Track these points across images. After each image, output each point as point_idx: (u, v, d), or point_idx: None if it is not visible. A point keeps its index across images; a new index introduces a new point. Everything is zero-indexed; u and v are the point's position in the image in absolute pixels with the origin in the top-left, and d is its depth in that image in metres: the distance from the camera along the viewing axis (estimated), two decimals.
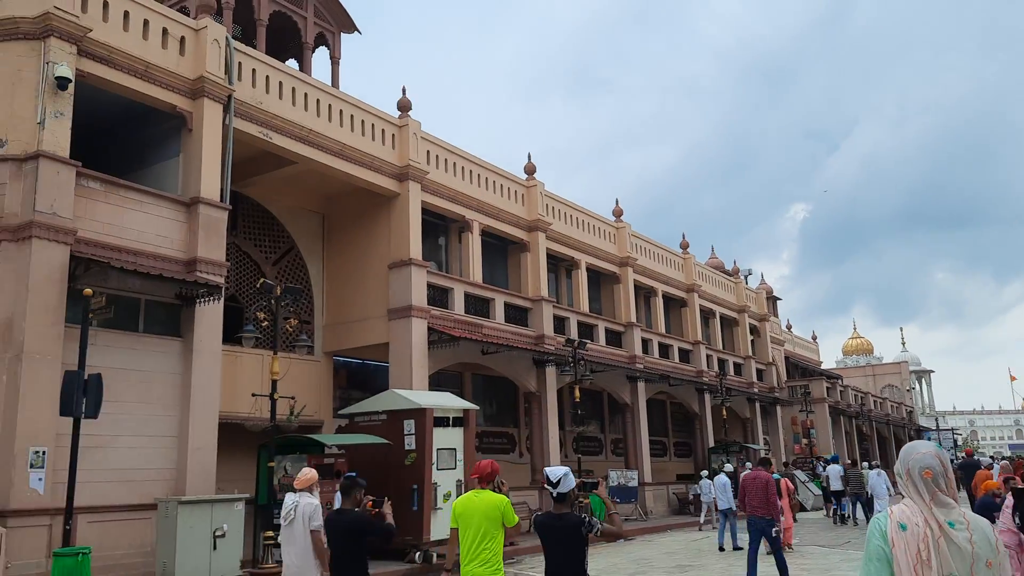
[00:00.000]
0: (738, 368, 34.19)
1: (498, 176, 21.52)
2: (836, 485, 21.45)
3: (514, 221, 21.78)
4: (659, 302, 29.11)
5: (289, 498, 6.86)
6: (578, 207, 25.04)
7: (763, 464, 12.13)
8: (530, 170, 22.77)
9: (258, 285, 13.41)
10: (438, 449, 14.57)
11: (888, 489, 22.28)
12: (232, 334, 14.82)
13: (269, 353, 14.71)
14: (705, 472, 22.41)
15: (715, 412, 29.90)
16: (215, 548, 11.48)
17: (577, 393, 20.07)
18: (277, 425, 13.15)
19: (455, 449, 15.04)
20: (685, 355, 29.79)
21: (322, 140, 16.36)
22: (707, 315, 32.95)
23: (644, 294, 28.80)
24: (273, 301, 12.95)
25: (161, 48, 13.75)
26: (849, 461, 26.20)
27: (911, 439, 60.90)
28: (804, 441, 36.66)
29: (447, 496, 14.33)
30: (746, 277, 38.68)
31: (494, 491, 5.85)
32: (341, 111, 17.09)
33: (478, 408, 16.57)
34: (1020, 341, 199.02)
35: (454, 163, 20.06)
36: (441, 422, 14.86)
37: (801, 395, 36.59)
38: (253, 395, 14.35)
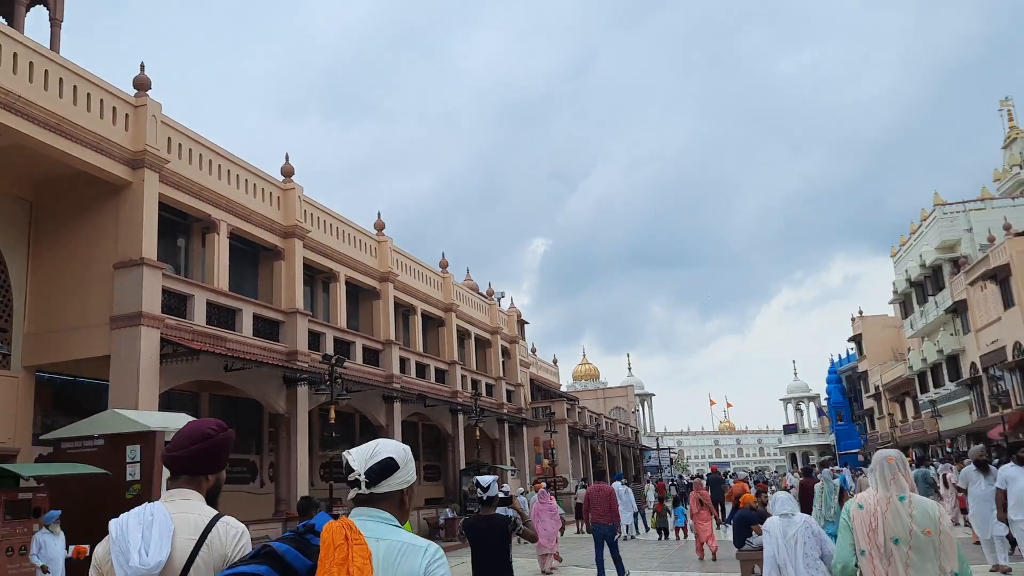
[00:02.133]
0: (490, 389, 34.40)
1: (251, 175, 19.54)
2: None
3: (268, 225, 19.87)
4: (418, 320, 28.39)
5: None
6: (339, 216, 23.60)
7: (601, 477, 13.86)
8: (288, 172, 20.99)
9: None
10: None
11: (630, 504, 23.71)
12: None
13: None
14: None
15: (467, 433, 29.65)
16: None
17: (332, 414, 18.59)
18: None
19: None
20: (441, 375, 29.26)
21: (33, 110, 13.60)
22: (463, 335, 32.82)
23: (403, 312, 27.92)
24: None
25: None
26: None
27: (636, 458, 65.80)
28: (546, 461, 37.74)
29: None
30: (499, 300, 39.28)
31: None
32: (61, 79, 14.38)
33: None
34: (718, 370, 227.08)
35: (200, 155, 17.84)
36: None
37: (545, 416, 37.70)
38: None
